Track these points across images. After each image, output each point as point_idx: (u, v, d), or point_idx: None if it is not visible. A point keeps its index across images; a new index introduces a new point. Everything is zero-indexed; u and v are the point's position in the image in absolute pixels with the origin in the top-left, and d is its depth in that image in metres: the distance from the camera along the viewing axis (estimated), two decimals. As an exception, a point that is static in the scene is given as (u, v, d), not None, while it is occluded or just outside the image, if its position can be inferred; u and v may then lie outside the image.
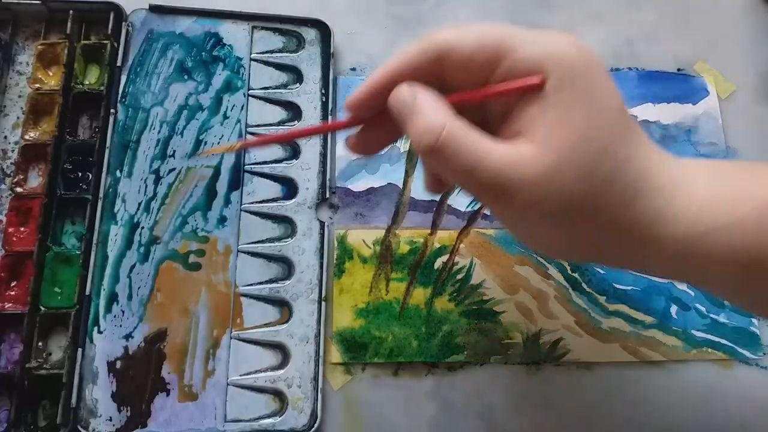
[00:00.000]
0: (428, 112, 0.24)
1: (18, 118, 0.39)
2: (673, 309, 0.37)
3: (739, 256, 0.24)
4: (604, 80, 0.24)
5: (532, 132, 0.23)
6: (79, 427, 0.33)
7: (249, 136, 0.39)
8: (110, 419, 0.34)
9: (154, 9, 0.41)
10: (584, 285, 0.37)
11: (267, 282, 0.37)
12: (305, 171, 0.39)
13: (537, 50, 0.23)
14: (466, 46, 0.24)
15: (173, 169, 0.38)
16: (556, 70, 0.23)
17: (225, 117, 0.39)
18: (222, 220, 0.37)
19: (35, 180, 0.38)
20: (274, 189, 0.38)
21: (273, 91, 0.40)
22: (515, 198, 0.23)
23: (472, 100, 0.25)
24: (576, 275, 0.37)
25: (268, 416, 0.34)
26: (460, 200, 0.38)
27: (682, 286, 0.37)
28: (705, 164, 0.26)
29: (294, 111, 0.40)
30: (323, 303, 0.36)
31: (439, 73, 0.25)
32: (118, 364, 0.35)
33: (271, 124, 0.39)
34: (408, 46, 0.25)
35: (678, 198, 0.24)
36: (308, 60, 0.41)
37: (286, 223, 0.38)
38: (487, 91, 0.24)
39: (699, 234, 0.24)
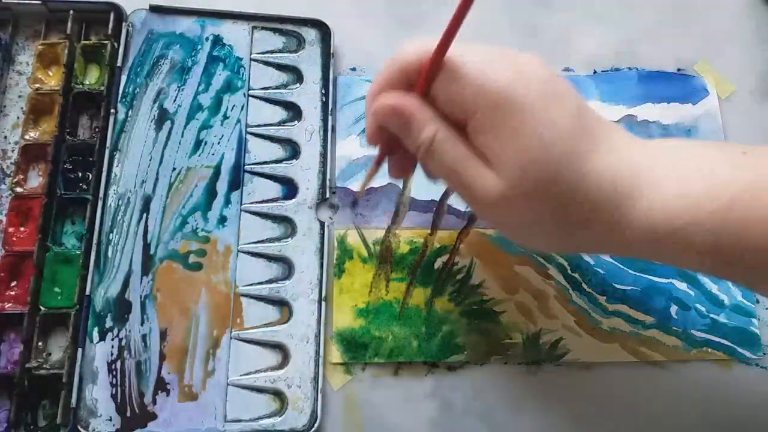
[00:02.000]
0: (421, 120, 0.26)
1: (18, 118, 0.39)
2: (673, 309, 0.37)
3: (700, 250, 0.25)
4: (551, 104, 0.25)
5: (488, 155, 0.25)
6: (79, 427, 0.33)
7: (249, 137, 0.39)
8: (110, 419, 0.34)
9: (155, 9, 0.41)
10: (584, 285, 0.37)
11: (267, 282, 0.37)
12: (305, 171, 0.39)
13: (473, 81, 0.25)
14: (420, 63, 0.26)
15: (174, 169, 0.38)
16: (494, 103, 0.24)
17: (225, 117, 0.39)
18: (222, 220, 0.37)
19: (35, 180, 0.38)
20: (274, 189, 0.38)
21: (273, 91, 0.40)
22: (485, 208, 0.27)
23: (424, 85, 0.26)
24: (576, 275, 0.37)
25: (268, 416, 0.34)
26: (461, 200, 0.38)
27: (682, 286, 0.37)
28: (673, 157, 0.27)
29: (294, 111, 0.40)
30: (323, 303, 0.36)
31: (407, 78, 0.27)
32: (118, 364, 0.35)
33: (271, 124, 0.39)
34: (380, 69, 0.28)
35: (640, 199, 0.25)
36: (308, 60, 0.41)
37: (286, 223, 0.38)
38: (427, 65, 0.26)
39: (662, 234, 0.25)
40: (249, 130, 0.39)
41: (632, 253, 0.28)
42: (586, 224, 0.26)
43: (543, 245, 0.30)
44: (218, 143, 0.39)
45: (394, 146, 0.29)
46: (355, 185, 0.38)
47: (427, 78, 0.26)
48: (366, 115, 0.29)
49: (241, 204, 0.38)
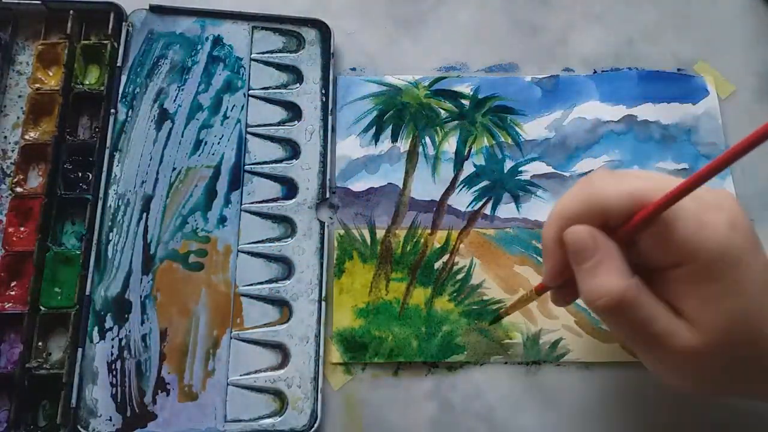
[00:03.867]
0: (607, 274, 0.24)
1: (18, 118, 0.39)
2: (673, 309, 0.37)
3: None
4: (755, 263, 0.24)
5: (685, 309, 0.24)
6: (79, 427, 0.33)
7: (249, 137, 0.39)
8: (110, 419, 0.34)
9: (155, 9, 0.41)
10: (584, 285, 0.37)
11: (267, 282, 0.37)
12: (305, 171, 0.39)
13: (690, 236, 0.23)
14: (625, 210, 0.24)
15: (174, 169, 0.38)
16: (707, 257, 0.23)
17: (225, 117, 0.39)
18: (222, 220, 0.37)
19: (35, 180, 0.38)
20: (274, 189, 0.38)
21: (273, 91, 0.40)
22: (664, 361, 0.26)
23: (632, 230, 0.25)
24: (576, 275, 0.37)
25: (268, 416, 0.34)
26: (460, 200, 0.38)
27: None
28: None
29: (294, 111, 0.40)
30: (323, 303, 0.36)
31: (603, 217, 0.25)
32: (118, 364, 0.35)
33: (271, 124, 0.39)
34: (569, 197, 0.26)
35: None
36: (308, 60, 0.41)
37: (286, 223, 0.38)
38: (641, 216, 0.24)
39: None
40: (249, 130, 0.39)
41: None
42: (759, 378, 0.26)
43: (710, 390, 0.29)
44: (218, 143, 0.39)
45: (568, 281, 0.27)
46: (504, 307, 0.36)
47: (635, 230, 0.24)
48: (546, 249, 0.27)
49: (241, 204, 0.38)
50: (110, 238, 0.37)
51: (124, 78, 0.39)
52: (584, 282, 0.25)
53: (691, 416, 0.35)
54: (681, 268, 0.24)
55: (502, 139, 0.40)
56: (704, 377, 0.26)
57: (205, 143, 0.39)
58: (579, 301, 0.36)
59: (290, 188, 0.38)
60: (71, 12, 0.40)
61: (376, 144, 0.40)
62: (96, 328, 0.35)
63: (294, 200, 0.38)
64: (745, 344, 0.24)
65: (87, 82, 0.40)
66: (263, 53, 0.41)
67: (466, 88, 0.41)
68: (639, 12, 0.43)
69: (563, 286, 0.28)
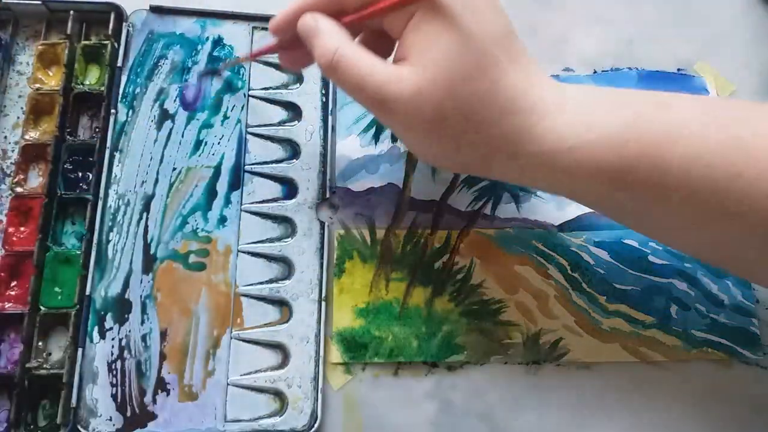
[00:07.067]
0: (325, 37, 0.28)
1: (18, 118, 0.39)
2: (673, 309, 0.37)
3: (604, 171, 0.26)
4: (483, 8, 0.27)
5: (409, 55, 0.27)
6: (79, 427, 0.33)
7: (249, 137, 0.39)
8: (110, 419, 0.34)
9: (155, 9, 0.41)
10: (584, 285, 0.37)
11: (267, 282, 0.37)
12: (305, 171, 0.39)
13: None
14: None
15: (174, 169, 0.38)
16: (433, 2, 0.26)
17: (225, 117, 0.39)
18: (222, 220, 0.37)
19: (35, 180, 0.38)
20: (274, 189, 0.38)
21: (273, 91, 0.40)
22: (394, 111, 0.27)
23: (359, 19, 0.28)
24: (576, 275, 0.37)
25: (268, 416, 0.34)
26: (460, 200, 0.39)
27: (682, 286, 0.37)
28: (583, 88, 0.29)
29: (294, 111, 0.40)
30: (323, 303, 0.36)
31: (340, 4, 0.29)
32: (119, 364, 0.35)
33: (271, 124, 0.39)
34: None
35: (547, 117, 0.27)
36: (308, 60, 0.41)
37: (286, 223, 0.38)
38: (369, 10, 0.28)
39: (564, 149, 0.27)
40: (249, 130, 0.39)
41: (528, 172, 0.28)
42: (490, 131, 0.27)
43: (446, 153, 0.29)
44: (218, 143, 0.39)
45: (296, 43, 0.31)
46: (245, 55, 0.40)
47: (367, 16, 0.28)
48: (282, 16, 0.31)
49: (241, 204, 0.38)
50: (110, 238, 0.37)
51: (124, 78, 0.39)
52: (313, 48, 0.28)
53: (691, 416, 0.35)
54: (413, 18, 0.27)
55: (502, 139, 0.40)
56: (430, 126, 0.27)
57: (205, 143, 0.39)
58: (578, 301, 0.36)
59: (290, 188, 0.38)
60: (71, 12, 0.40)
61: (376, 144, 0.40)
62: (96, 328, 0.35)
63: (294, 200, 0.38)
64: (461, 79, 0.26)
65: (87, 82, 0.40)
66: (263, 53, 0.41)
67: (466, 88, 0.41)
68: (639, 12, 0.43)
69: (290, 48, 0.32)
